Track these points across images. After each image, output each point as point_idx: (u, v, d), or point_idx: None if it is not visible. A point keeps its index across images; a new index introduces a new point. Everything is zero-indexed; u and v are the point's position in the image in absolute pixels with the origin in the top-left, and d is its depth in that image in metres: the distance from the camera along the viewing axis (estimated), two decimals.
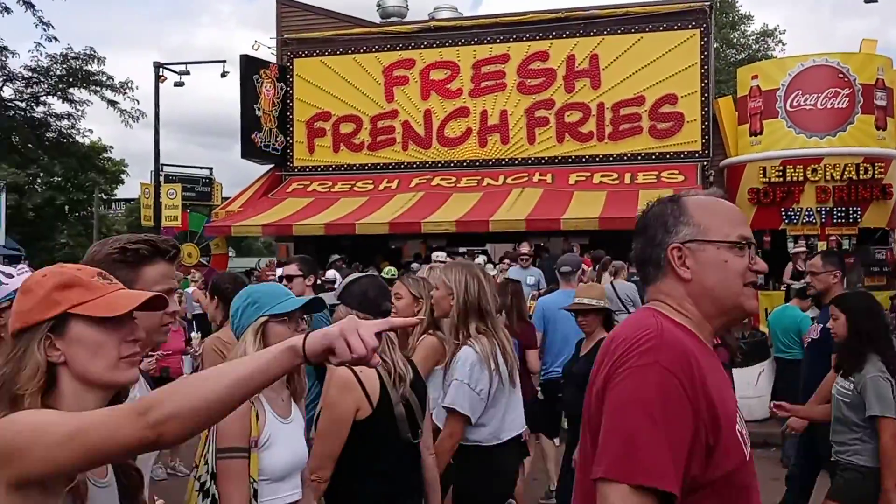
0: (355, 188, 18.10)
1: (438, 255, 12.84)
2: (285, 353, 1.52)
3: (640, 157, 17.15)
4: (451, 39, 18.47)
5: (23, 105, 15.62)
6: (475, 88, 18.20)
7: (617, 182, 16.52)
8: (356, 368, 3.10)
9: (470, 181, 17.55)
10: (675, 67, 16.91)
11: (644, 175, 16.60)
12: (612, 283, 10.87)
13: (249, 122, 18.49)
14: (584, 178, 16.87)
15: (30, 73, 15.52)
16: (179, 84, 21.52)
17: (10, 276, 3.11)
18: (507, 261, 12.14)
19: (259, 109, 18.63)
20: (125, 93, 16.28)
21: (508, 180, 17.24)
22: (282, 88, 19.18)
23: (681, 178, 16.23)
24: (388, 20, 19.67)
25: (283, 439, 2.75)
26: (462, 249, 16.84)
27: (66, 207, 36.37)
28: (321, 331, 1.52)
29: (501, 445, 3.89)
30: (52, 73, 15.63)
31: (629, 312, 10.52)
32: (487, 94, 18.12)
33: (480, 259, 14.14)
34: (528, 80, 17.88)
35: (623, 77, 17.20)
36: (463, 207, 15.92)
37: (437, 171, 18.21)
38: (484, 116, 18.15)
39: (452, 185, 17.50)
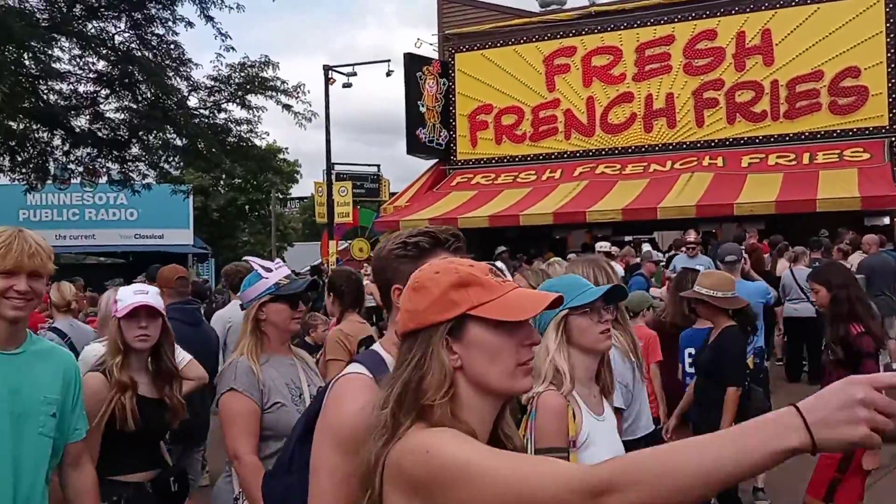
0: (518, 179, 18.13)
1: (603, 245, 12.62)
2: (781, 454, 1.14)
3: (819, 136, 16.17)
4: (612, 24, 18.11)
5: (206, 113, 16.62)
6: (639, 72, 17.78)
7: (794, 163, 15.66)
8: None
9: (636, 168, 17.16)
10: (857, 38, 15.79)
11: (824, 154, 15.64)
12: (790, 269, 10.38)
13: (413, 118, 18.95)
14: (757, 161, 16.11)
15: (212, 83, 16.49)
16: (347, 85, 22.31)
17: (269, 269, 3.25)
18: (683, 248, 11.77)
19: (423, 106, 19.04)
20: (298, 96, 16.96)
21: (676, 165, 16.75)
22: (444, 84, 19.49)
23: (866, 155, 15.18)
24: (548, 8, 19.54)
25: (601, 437, 2.63)
26: (628, 238, 16.49)
27: (247, 207, 38.64)
28: (830, 419, 1.12)
29: (636, 441, 3.80)
30: (231, 81, 16.54)
31: (809, 300, 9.96)
32: (652, 78, 17.65)
33: (647, 247, 13.82)
34: (696, 61, 17.26)
35: (799, 52, 16.27)
36: (629, 195, 15.60)
37: (600, 159, 17.94)
38: (649, 101, 17.69)
39: (617, 172, 17.19)
